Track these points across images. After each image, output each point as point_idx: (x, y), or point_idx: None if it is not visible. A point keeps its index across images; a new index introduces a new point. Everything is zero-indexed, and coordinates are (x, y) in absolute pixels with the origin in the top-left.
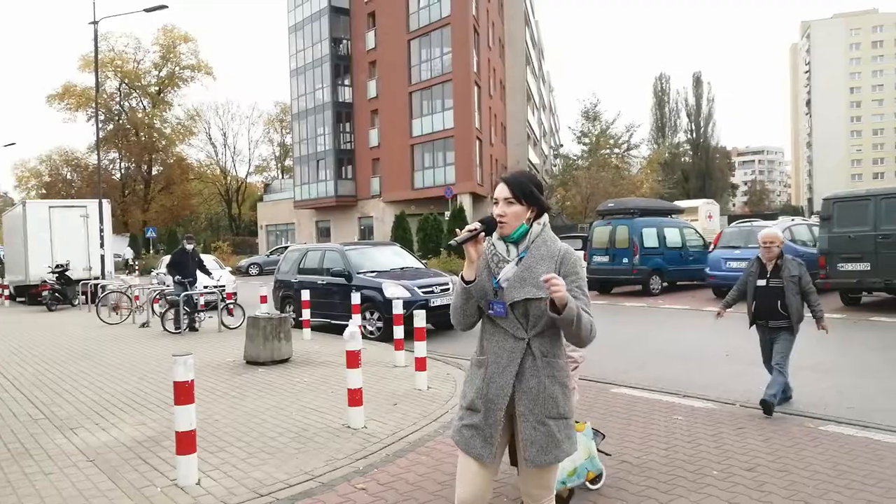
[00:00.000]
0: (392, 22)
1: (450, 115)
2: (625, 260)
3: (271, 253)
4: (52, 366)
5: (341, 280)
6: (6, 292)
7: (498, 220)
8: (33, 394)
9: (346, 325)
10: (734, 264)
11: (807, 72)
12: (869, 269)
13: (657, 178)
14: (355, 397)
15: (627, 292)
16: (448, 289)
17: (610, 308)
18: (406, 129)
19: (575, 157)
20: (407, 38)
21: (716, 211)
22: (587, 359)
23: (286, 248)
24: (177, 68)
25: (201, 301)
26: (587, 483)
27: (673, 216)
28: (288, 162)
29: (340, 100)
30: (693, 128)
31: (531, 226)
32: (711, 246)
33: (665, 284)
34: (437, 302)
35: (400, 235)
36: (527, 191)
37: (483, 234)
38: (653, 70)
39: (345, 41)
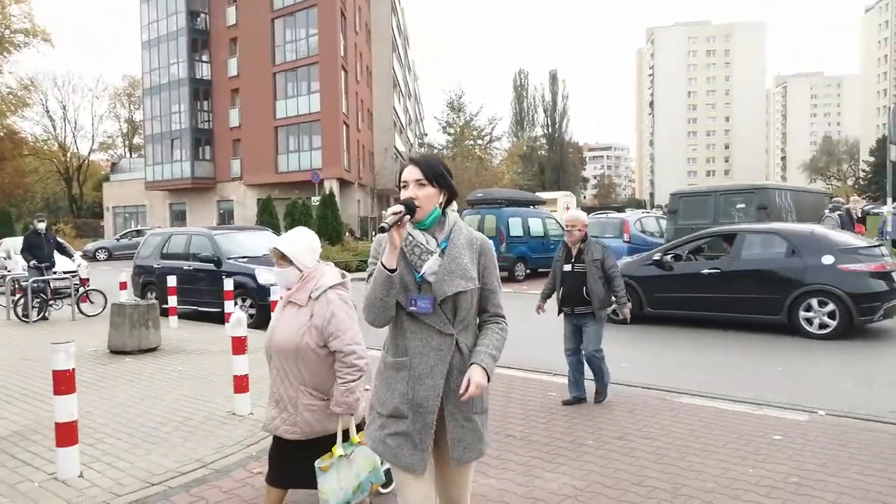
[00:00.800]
0: None
1: (316, 99)
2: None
3: (121, 237)
4: None
5: (210, 266)
6: None
7: (413, 203)
8: None
9: (216, 313)
10: None
11: (651, 75)
12: None
13: (517, 170)
14: (242, 384)
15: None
16: None
17: None
18: (270, 111)
19: (440, 147)
20: (271, 17)
21: (573, 203)
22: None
23: (138, 231)
24: (7, 31)
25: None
26: (379, 489)
27: (535, 207)
28: (137, 140)
29: (198, 76)
30: (549, 123)
31: (444, 212)
32: None
33: (528, 271)
34: None
35: (266, 220)
36: (438, 172)
37: (408, 217)
38: (514, 65)
39: (203, 15)
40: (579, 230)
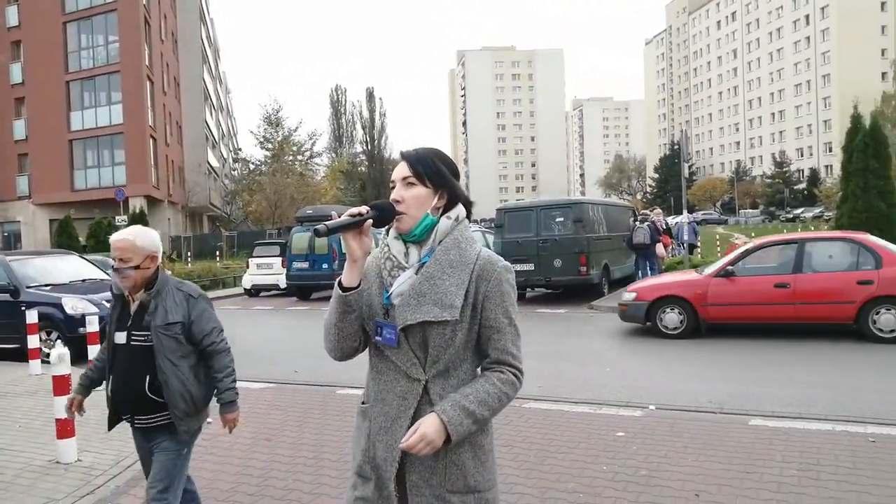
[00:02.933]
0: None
1: (118, 110)
2: (324, 265)
3: None
4: None
5: (5, 296)
6: None
7: (396, 206)
8: None
9: (12, 349)
10: None
11: (463, 95)
12: (533, 268)
13: (339, 186)
14: (66, 428)
15: (325, 297)
16: None
17: (313, 313)
18: (63, 123)
19: (258, 163)
20: (63, 20)
21: None
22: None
23: None
24: None
25: None
26: None
27: None
28: None
29: None
30: (368, 139)
31: (440, 219)
32: None
33: None
34: None
35: (65, 242)
36: (434, 170)
37: (371, 222)
38: (330, 80)
39: None
40: (135, 267)
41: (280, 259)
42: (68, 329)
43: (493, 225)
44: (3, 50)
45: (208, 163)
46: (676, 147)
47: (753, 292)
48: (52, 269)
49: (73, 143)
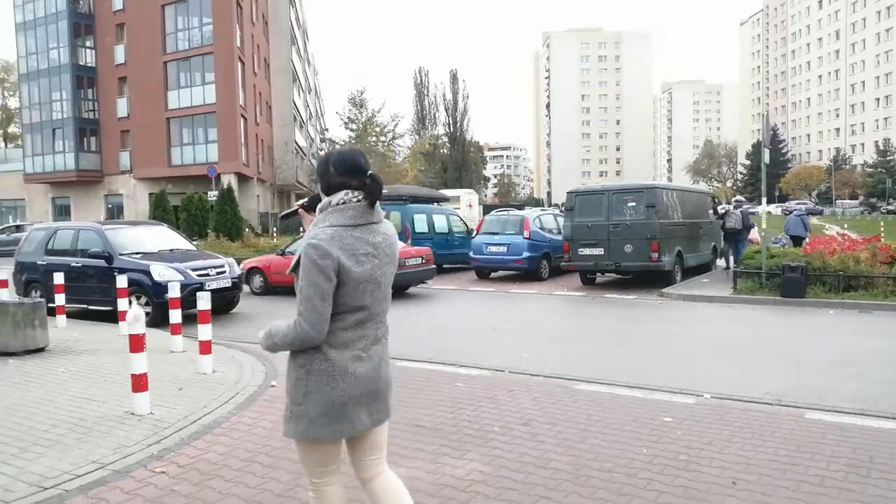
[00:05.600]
0: None
1: (211, 90)
2: None
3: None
4: None
5: (100, 262)
6: None
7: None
8: None
9: (107, 311)
10: (494, 248)
11: (547, 78)
12: (602, 253)
13: (420, 168)
14: (140, 382)
15: None
16: (224, 271)
17: None
18: (161, 102)
19: (343, 143)
20: (161, 3)
21: (475, 200)
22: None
23: (18, 226)
24: None
25: None
26: None
27: (439, 204)
28: (13, 129)
29: (81, 63)
30: (450, 121)
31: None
32: (474, 232)
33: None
34: (212, 285)
35: (160, 215)
36: (320, 169)
37: (304, 209)
38: (414, 62)
39: None
40: None
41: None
42: (155, 294)
43: (564, 208)
44: (109, 32)
45: (296, 142)
46: (771, 132)
47: None
48: (143, 239)
49: (170, 121)
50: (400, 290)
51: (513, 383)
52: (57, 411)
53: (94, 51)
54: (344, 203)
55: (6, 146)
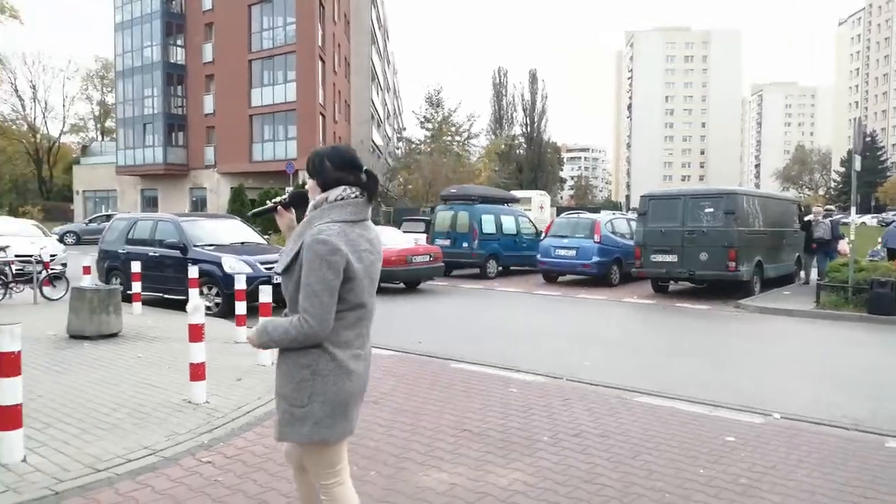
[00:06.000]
0: None
1: (292, 88)
2: (465, 244)
3: (90, 221)
4: None
5: (175, 253)
6: None
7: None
8: None
9: (181, 300)
10: (562, 252)
11: (629, 78)
12: (676, 260)
13: (494, 168)
14: (198, 372)
15: (466, 275)
16: None
17: (450, 289)
18: (245, 99)
19: (418, 142)
20: (248, 3)
21: (547, 202)
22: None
23: (108, 216)
24: None
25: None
26: None
27: (509, 205)
28: (110, 123)
29: (172, 61)
30: (528, 122)
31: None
32: (543, 234)
33: (500, 269)
34: (279, 279)
35: (237, 209)
36: (315, 163)
37: (283, 207)
38: (493, 62)
39: None
40: None
41: (425, 235)
42: (225, 286)
43: (637, 213)
44: (198, 31)
45: (372, 140)
46: (869, 139)
47: None
48: (217, 231)
49: (252, 118)
50: (412, 286)
51: (568, 391)
52: (120, 395)
53: (184, 49)
54: (342, 199)
55: (103, 140)
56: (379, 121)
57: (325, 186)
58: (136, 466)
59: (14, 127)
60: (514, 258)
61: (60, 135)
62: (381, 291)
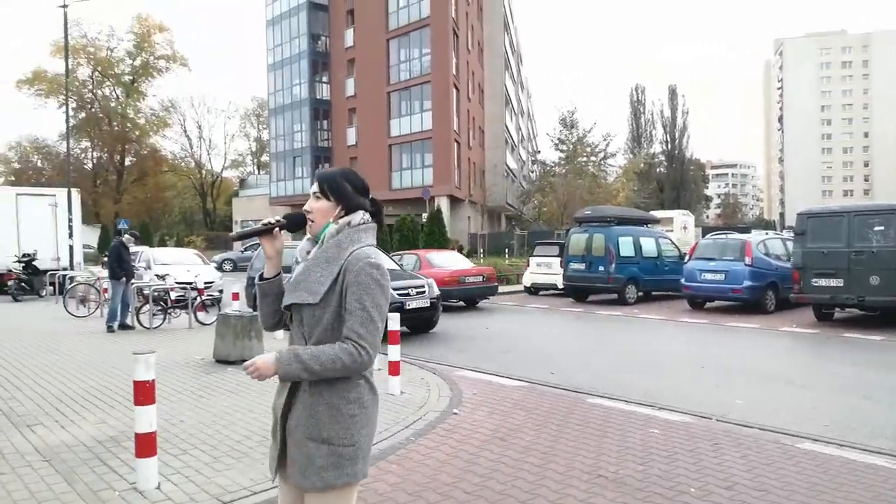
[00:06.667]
0: (371, 20)
1: (428, 117)
2: (601, 268)
3: (245, 249)
4: (15, 359)
5: None
6: None
7: (307, 216)
8: None
9: None
10: (709, 276)
11: (779, 88)
12: (842, 285)
13: (633, 188)
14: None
15: (603, 300)
16: (424, 291)
17: (585, 316)
18: (384, 129)
19: (552, 164)
20: (386, 38)
21: (691, 222)
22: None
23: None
24: (151, 58)
25: (170, 296)
26: None
27: (649, 226)
28: (264, 157)
29: (318, 97)
30: (668, 139)
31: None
32: (687, 257)
33: (640, 294)
34: (412, 305)
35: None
36: (334, 186)
37: (279, 230)
38: (628, 80)
39: (323, 38)
40: None
41: (559, 259)
42: None
43: (794, 232)
44: (341, 68)
45: (506, 164)
46: None
47: None
48: None
49: (391, 147)
50: (470, 304)
51: (719, 434)
52: (253, 422)
53: (328, 85)
54: (364, 223)
55: (258, 173)
56: (513, 145)
57: (348, 210)
58: (259, 499)
59: (183, 164)
60: (656, 282)
61: (222, 170)
62: (510, 313)
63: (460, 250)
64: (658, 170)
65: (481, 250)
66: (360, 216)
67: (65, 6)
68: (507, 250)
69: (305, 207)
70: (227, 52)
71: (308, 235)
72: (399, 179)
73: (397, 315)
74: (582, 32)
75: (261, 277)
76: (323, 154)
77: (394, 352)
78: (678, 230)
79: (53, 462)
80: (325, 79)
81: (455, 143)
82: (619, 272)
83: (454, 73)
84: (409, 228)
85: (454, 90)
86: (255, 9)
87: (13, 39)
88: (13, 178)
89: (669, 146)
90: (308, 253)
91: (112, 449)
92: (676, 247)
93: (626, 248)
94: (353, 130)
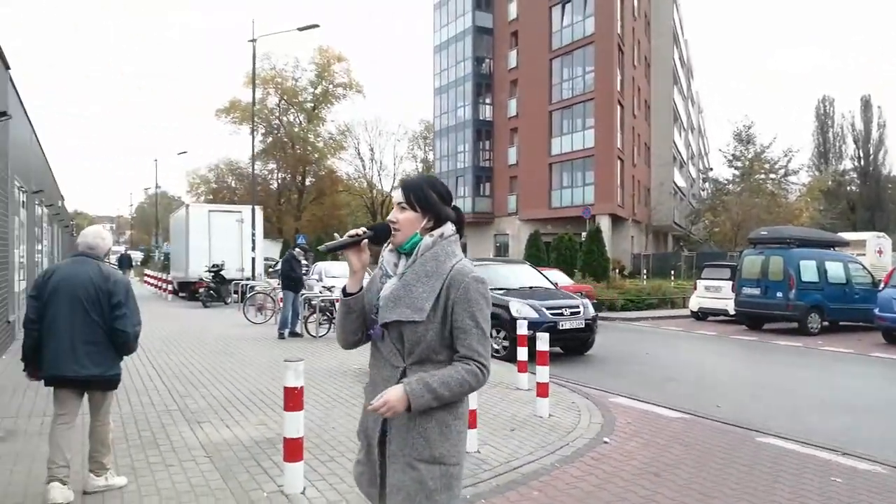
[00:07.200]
0: (535, 41)
1: (590, 135)
2: (779, 294)
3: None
4: (195, 359)
5: None
6: (170, 287)
7: (391, 227)
8: (173, 384)
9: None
10: None
11: None
12: None
13: (818, 208)
14: (470, 419)
15: (781, 330)
16: (579, 312)
17: (759, 345)
18: (545, 148)
19: (725, 182)
20: (549, 57)
21: (888, 246)
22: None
23: None
24: (330, 86)
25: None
26: None
27: (836, 249)
28: None
29: (481, 118)
30: (861, 155)
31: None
32: (882, 284)
33: (825, 324)
34: (566, 325)
35: (533, 254)
36: (421, 196)
37: (367, 241)
38: (813, 91)
39: (487, 60)
40: None
41: (730, 283)
42: (512, 329)
43: None
44: (504, 89)
45: (674, 182)
46: None
47: None
48: (507, 275)
49: (552, 166)
50: None
51: None
52: None
53: (491, 106)
54: (453, 235)
55: None
56: (681, 162)
57: (436, 220)
58: None
59: (356, 184)
60: (844, 311)
61: (391, 189)
62: (675, 339)
63: (621, 271)
64: (849, 188)
65: (644, 271)
66: (450, 227)
67: (253, 40)
68: (672, 272)
69: (390, 217)
70: (398, 78)
71: (390, 247)
72: (559, 198)
73: (546, 335)
74: (759, 43)
75: (344, 293)
76: (484, 174)
77: (542, 373)
78: (871, 254)
79: (214, 458)
80: (487, 100)
81: (618, 161)
82: (799, 299)
83: (618, 89)
84: (567, 247)
85: (618, 107)
86: (424, 37)
87: (213, 73)
88: (211, 197)
89: (862, 162)
90: (396, 266)
91: (267, 450)
92: (869, 273)
93: (808, 272)
94: (514, 150)
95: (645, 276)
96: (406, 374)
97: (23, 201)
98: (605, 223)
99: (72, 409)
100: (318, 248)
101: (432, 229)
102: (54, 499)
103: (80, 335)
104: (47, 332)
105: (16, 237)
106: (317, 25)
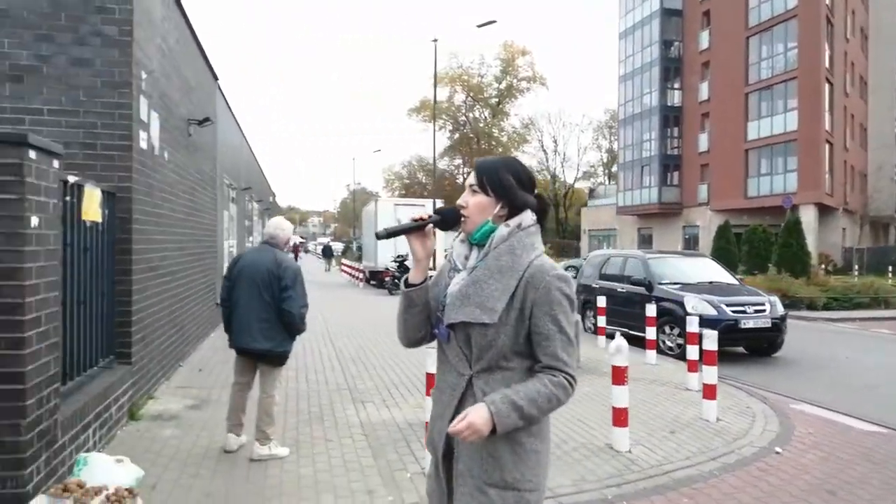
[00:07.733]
0: (729, 19)
1: (793, 117)
2: None
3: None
4: (372, 344)
5: (640, 289)
6: (361, 276)
7: (461, 211)
8: (347, 366)
9: (642, 337)
10: None
11: None
12: None
13: None
14: (620, 417)
15: None
16: (764, 310)
17: None
18: (740, 133)
19: None
20: (745, 35)
21: None
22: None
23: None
24: (514, 80)
25: None
26: None
27: None
28: (615, 168)
29: (668, 104)
30: None
31: (499, 226)
32: None
33: None
34: (748, 324)
35: (722, 247)
36: (496, 179)
37: (433, 226)
38: None
39: (676, 43)
40: None
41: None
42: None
43: None
44: (694, 72)
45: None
46: None
47: None
48: (684, 269)
49: (748, 151)
50: None
51: None
52: (568, 431)
53: (680, 91)
54: (533, 226)
55: (608, 184)
56: None
57: (511, 208)
58: (586, 499)
59: (539, 176)
60: None
61: (574, 181)
62: (884, 342)
63: (828, 266)
64: None
65: (857, 267)
66: (530, 217)
67: (435, 40)
68: (891, 268)
69: (459, 202)
70: (582, 68)
71: (461, 236)
72: (756, 186)
73: (714, 333)
74: None
75: (406, 284)
76: (672, 162)
77: (710, 373)
78: None
79: (369, 437)
80: (676, 85)
81: (826, 145)
82: None
83: (827, 66)
84: (761, 240)
85: (826, 85)
86: (608, 24)
87: (406, 73)
88: (403, 192)
89: None
90: (466, 258)
91: (418, 432)
92: None
93: None
94: (705, 136)
95: (857, 272)
96: (472, 384)
97: (232, 197)
98: (809, 213)
99: (247, 377)
100: (376, 232)
101: (508, 217)
102: (229, 446)
103: (255, 313)
104: (233, 309)
105: (225, 229)
106: (494, 21)
